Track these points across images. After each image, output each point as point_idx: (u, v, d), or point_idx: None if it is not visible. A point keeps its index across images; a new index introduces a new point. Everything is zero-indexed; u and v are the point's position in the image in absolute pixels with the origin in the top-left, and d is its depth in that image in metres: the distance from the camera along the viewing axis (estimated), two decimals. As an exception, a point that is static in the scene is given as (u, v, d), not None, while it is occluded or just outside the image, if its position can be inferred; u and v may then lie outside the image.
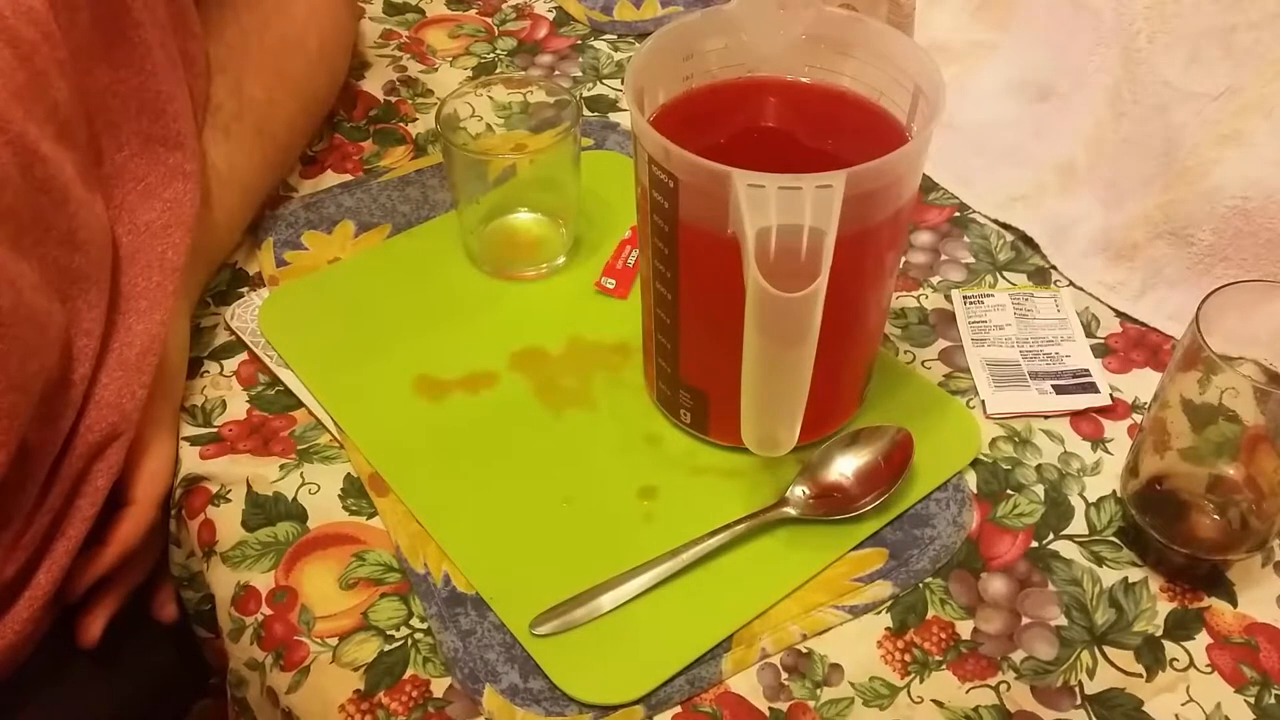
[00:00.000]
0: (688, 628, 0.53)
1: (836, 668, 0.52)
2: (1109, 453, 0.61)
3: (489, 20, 0.92)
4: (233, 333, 0.66)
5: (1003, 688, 0.51)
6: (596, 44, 0.89)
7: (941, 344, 0.66)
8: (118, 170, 0.60)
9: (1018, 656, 0.52)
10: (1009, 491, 0.59)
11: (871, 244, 0.52)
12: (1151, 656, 0.52)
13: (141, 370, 0.58)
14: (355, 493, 0.59)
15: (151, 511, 0.59)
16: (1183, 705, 0.51)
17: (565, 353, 0.65)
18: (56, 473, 0.56)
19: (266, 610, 0.54)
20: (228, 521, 0.58)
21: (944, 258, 0.72)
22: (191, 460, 0.61)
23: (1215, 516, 0.54)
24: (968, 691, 0.51)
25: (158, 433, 0.60)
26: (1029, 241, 0.72)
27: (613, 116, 0.82)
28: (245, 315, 0.67)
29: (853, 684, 0.51)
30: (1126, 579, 0.55)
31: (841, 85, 0.57)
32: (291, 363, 0.64)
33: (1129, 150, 0.70)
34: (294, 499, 0.58)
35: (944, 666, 0.52)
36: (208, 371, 0.65)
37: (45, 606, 0.56)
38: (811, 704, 0.50)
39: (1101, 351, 0.66)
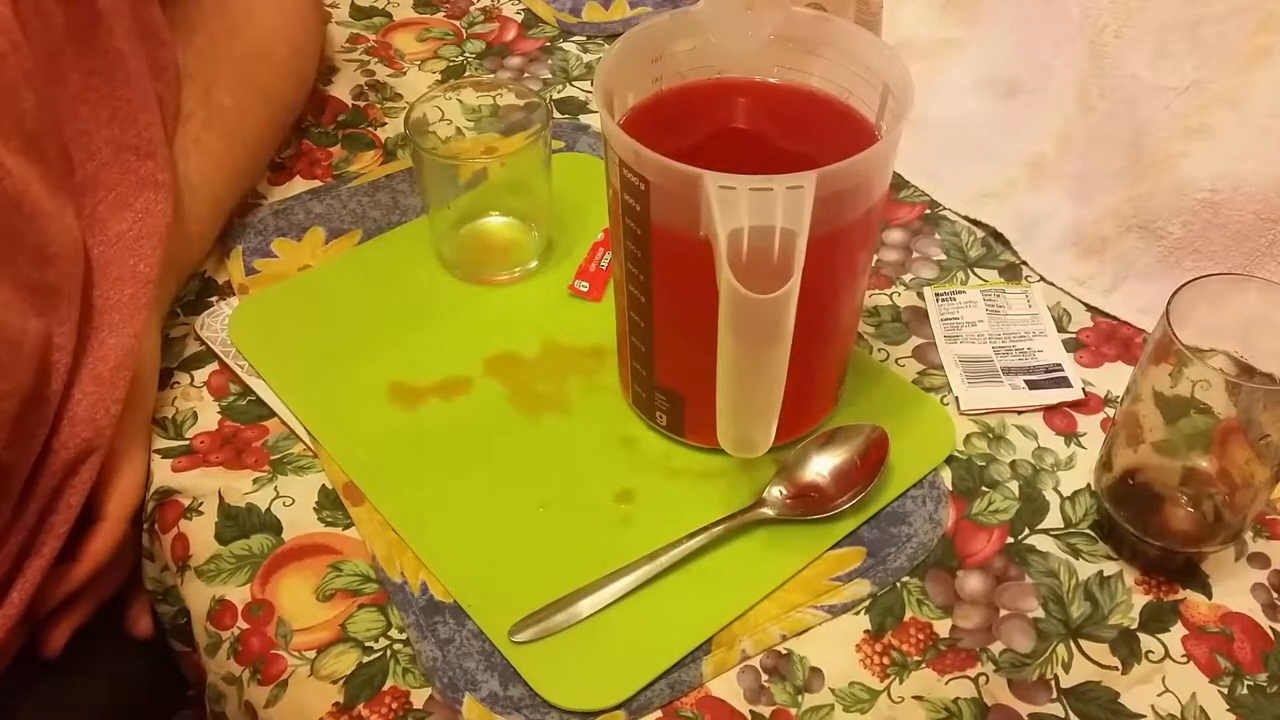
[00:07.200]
0: (667, 631, 0.52)
1: (817, 672, 0.52)
2: (1082, 447, 0.61)
3: (457, 23, 0.91)
4: (202, 343, 0.66)
5: (981, 680, 0.52)
6: (565, 45, 0.89)
7: (915, 341, 0.66)
8: (88, 180, 0.59)
9: (996, 648, 0.53)
10: (984, 488, 0.59)
11: (844, 243, 0.52)
12: (1127, 649, 0.53)
13: (115, 385, 0.58)
14: (330, 503, 0.58)
15: (123, 526, 0.59)
16: (1159, 696, 0.51)
17: (539, 357, 0.65)
18: (31, 491, 0.55)
19: (243, 624, 0.54)
20: (201, 535, 0.57)
21: (916, 255, 0.72)
22: (163, 473, 0.60)
23: (1189, 509, 0.54)
24: (947, 683, 0.51)
25: (129, 447, 0.60)
26: (1000, 238, 0.73)
27: (583, 118, 0.82)
28: (215, 325, 0.66)
29: (833, 690, 0.51)
30: (1102, 572, 0.56)
31: (811, 85, 0.57)
32: (263, 372, 0.64)
33: (1098, 145, 0.70)
34: (268, 510, 0.58)
35: (923, 666, 0.52)
36: (178, 383, 0.64)
37: (18, 624, 0.56)
38: (793, 711, 0.50)
39: (1073, 346, 0.66)
